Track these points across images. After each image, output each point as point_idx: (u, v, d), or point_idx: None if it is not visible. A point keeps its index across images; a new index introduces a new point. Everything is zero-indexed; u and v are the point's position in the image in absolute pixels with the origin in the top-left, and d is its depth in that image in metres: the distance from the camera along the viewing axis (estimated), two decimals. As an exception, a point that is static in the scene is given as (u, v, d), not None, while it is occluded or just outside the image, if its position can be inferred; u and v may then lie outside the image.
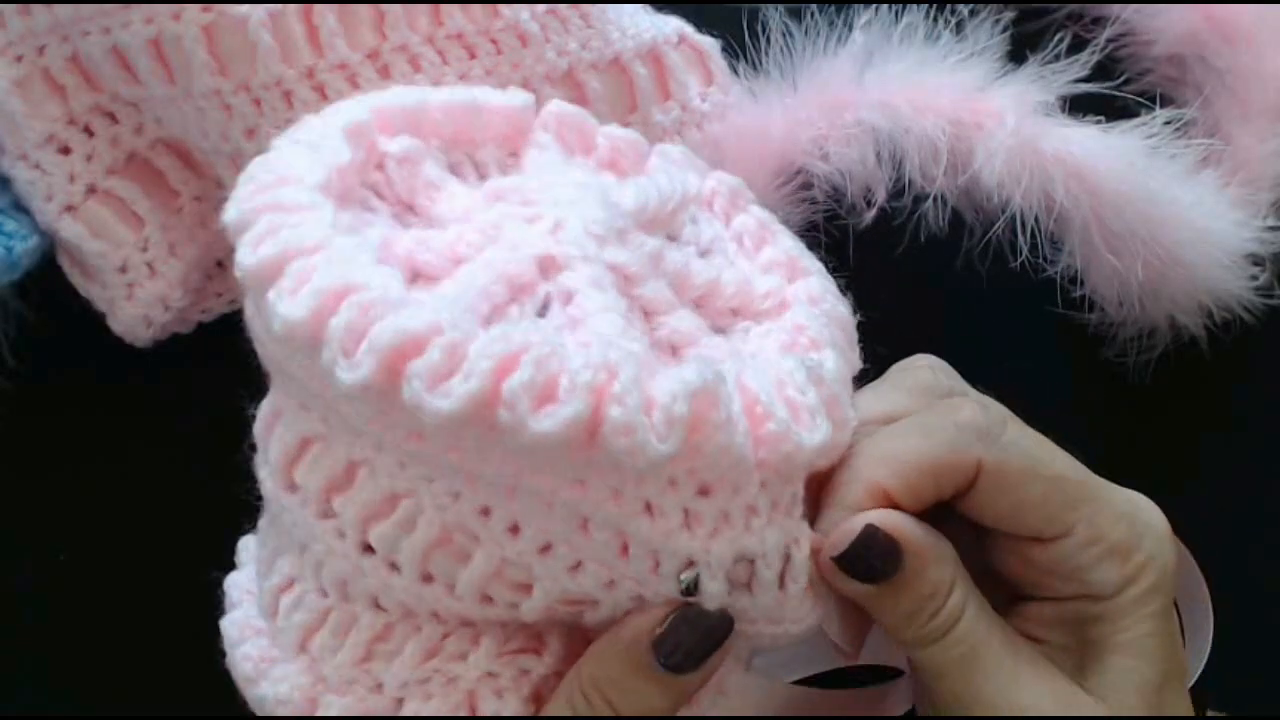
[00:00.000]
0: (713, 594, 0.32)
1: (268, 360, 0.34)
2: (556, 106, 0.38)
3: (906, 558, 0.34)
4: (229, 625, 0.38)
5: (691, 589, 0.32)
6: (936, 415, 0.35)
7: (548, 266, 0.33)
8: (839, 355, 0.36)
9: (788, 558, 0.33)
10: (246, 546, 0.40)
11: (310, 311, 0.29)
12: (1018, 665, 0.34)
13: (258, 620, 0.38)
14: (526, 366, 0.29)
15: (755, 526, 0.33)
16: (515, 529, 0.32)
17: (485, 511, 0.32)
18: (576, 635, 0.35)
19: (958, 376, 0.38)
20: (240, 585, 0.39)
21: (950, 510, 0.36)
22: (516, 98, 0.37)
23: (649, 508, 0.31)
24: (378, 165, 0.35)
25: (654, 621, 0.33)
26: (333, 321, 0.29)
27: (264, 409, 0.36)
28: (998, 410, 0.36)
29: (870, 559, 0.34)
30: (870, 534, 0.34)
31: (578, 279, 0.33)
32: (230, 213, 0.32)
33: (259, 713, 0.36)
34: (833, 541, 0.34)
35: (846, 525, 0.34)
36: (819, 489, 0.35)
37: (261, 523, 0.38)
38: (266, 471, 0.36)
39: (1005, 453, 0.35)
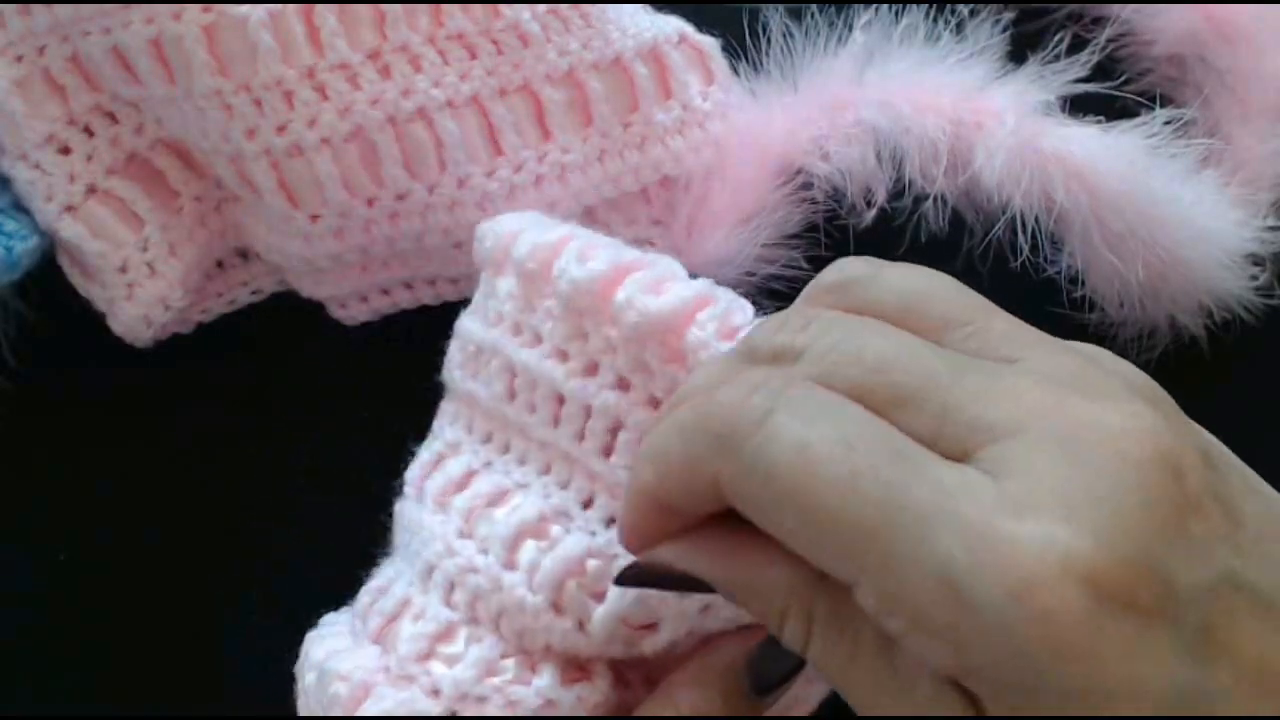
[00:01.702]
0: None
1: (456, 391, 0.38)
2: None
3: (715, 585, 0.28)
4: (312, 634, 0.38)
5: None
6: (701, 398, 0.27)
7: None
8: None
9: None
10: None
11: (556, 238, 0.36)
12: (901, 708, 0.25)
13: (344, 627, 0.38)
14: (720, 304, 0.33)
15: None
16: (612, 520, 0.34)
17: (588, 503, 0.35)
18: (618, 663, 0.36)
19: (870, 266, 0.29)
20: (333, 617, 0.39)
21: None
22: None
23: None
24: None
25: (746, 650, 0.33)
26: (572, 244, 0.35)
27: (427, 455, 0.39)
28: (761, 400, 0.25)
29: (667, 588, 0.30)
30: (646, 574, 0.29)
31: None
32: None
33: (312, 691, 0.36)
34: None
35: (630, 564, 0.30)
36: None
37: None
38: (403, 493, 0.38)
39: (750, 466, 0.25)
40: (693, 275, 0.36)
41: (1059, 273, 0.43)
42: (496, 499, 0.36)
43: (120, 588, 0.45)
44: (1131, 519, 0.23)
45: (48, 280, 0.44)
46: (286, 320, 0.46)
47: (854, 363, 0.26)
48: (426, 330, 0.41)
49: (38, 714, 0.45)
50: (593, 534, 0.34)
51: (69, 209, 0.42)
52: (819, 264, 0.45)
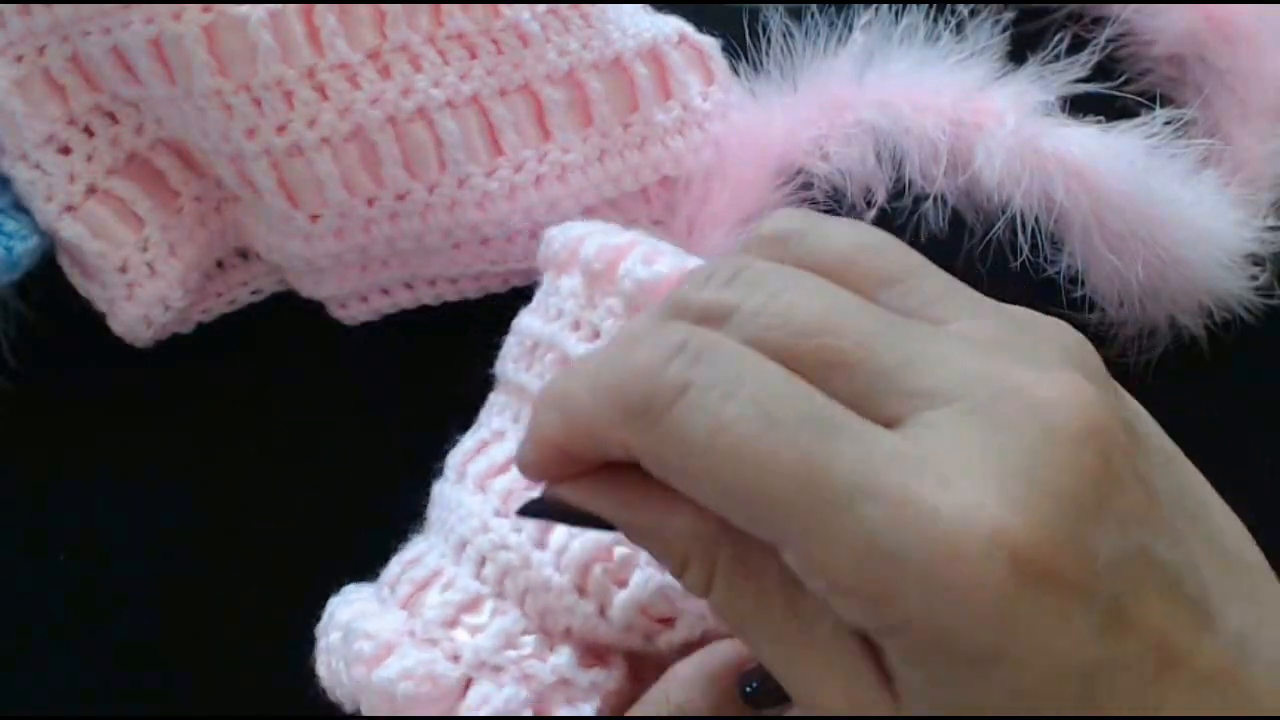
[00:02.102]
0: None
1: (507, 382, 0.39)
2: None
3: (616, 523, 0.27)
4: (336, 600, 0.38)
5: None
6: (618, 355, 0.26)
7: None
8: None
9: None
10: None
11: (623, 242, 0.38)
12: (802, 653, 0.25)
13: (370, 594, 0.38)
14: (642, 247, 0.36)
15: None
16: None
17: None
18: (636, 655, 0.36)
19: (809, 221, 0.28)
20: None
21: None
22: None
23: None
24: None
25: (742, 655, 0.32)
26: (640, 245, 0.37)
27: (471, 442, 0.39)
28: (680, 369, 0.24)
29: (570, 523, 0.29)
30: (546, 508, 0.29)
31: None
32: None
33: (336, 648, 0.36)
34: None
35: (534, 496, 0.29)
36: None
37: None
38: (442, 477, 0.39)
39: (663, 440, 0.24)
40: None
41: (1059, 273, 0.43)
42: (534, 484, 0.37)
43: (120, 587, 0.45)
44: (1058, 494, 0.23)
45: (48, 280, 0.44)
46: (286, 320, 0.46)
47: (782, 325, 0.25)
48: (426, 330, 0.41)
49: (38, 714, 0.45)
50: None
51: (69, 209, 0.42)
52: (819, 264, 0.45)
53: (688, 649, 0.35)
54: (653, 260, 0.36)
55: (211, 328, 0.46)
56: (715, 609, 0.27)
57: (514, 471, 0.37)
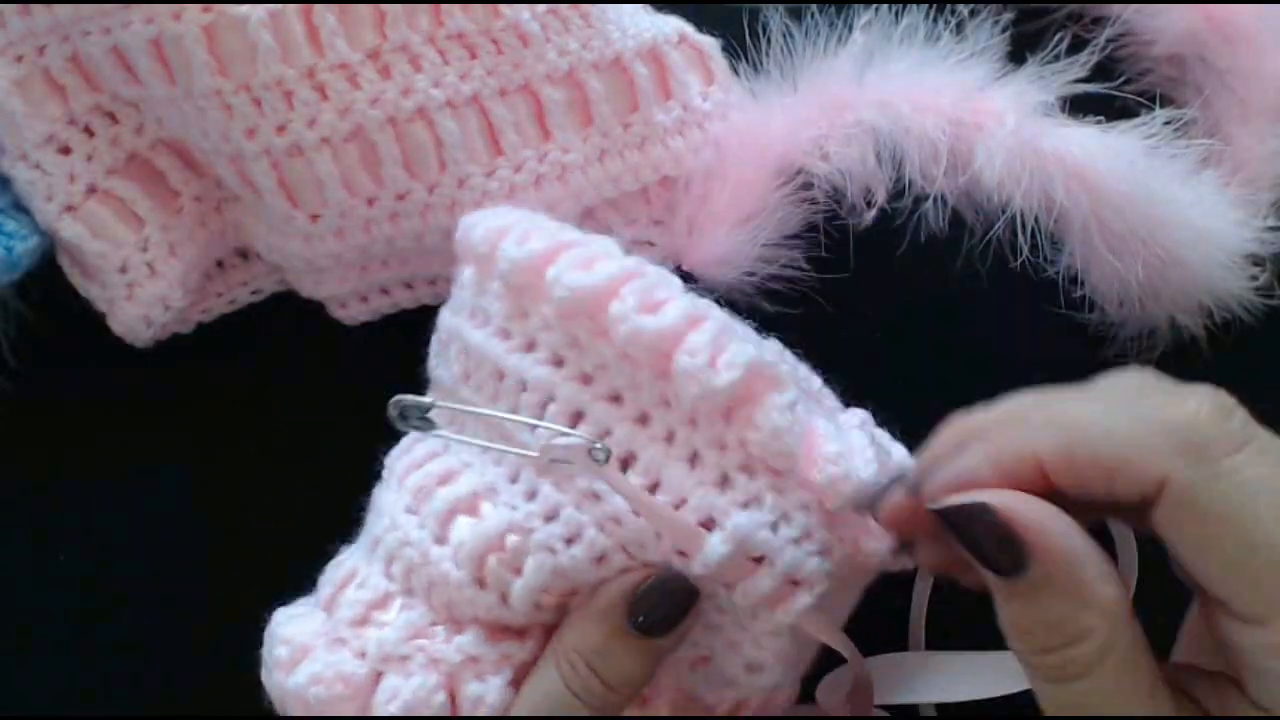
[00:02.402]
0: (717, 555, 0.33)
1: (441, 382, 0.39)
2: None
3: (1034, 559, 0.27)
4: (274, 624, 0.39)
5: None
6: (1147, 401, 0.28)
7: None
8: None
9: (789, 591, 0.34)
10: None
11: (506, 223, 0.37)
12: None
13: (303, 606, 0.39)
14: (647, 279, 0.34)
15: (781, 533, 0.34)
16: (532, 494, 0.35)
17: (514, 478, 0.36)
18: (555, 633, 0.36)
19: (1240, 430, 0.30)
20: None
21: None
22: None
23: (694, 458, 0.34)
24: None
25: (627, 587, 0.34)
26: (521, 224, 0.36)
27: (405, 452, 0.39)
28: (1240, 424, 0.28)
29: (983, 544, 0.28)
30: (981, 513, 0.28)
31: None
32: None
33: (266, 656, 0.37)
34: (941, 493, 0.29)
35: (963, 495, 0.28)
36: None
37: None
38: (383, 483, 0.39)
39: (1211, 482, 0.27)
40: (689, 277, 0.37)
41: (1059, 273, 0.43)
42: (446, 478, 0.37)
43: (120, 587, 0.45)
44: None
45: (48, 280, 0.44)
46: (286, 320, 0.46)
47: None
48: (426, 330, 0.41)
49: (38, 714, 0.45)
50: (514, 509, 0.35)
51: (69, 209, 0.42)
52: (819, 264, 0.45)
53: None
54: (527, 238, 0.36)
55: (211, 328, 0.46)
56: (1090, 690, 0.28)
57: (429, 466, 0.37)
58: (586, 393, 0.35)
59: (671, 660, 0.36)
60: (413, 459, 0.38)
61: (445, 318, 0.39)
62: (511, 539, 0.35)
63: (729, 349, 0.34)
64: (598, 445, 0.34)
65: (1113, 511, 0.30)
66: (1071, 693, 0.28)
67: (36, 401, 0.45)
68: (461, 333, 0.38)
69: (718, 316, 0.35)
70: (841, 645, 0.36)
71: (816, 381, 0.40)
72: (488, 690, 0.35)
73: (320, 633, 0.36)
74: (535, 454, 0.35)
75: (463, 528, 0.36)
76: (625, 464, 0.35)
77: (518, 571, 0.35)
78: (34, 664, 0.45)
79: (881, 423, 0.41)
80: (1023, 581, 0.28)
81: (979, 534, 0.28)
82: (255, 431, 0.46)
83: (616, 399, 0.35)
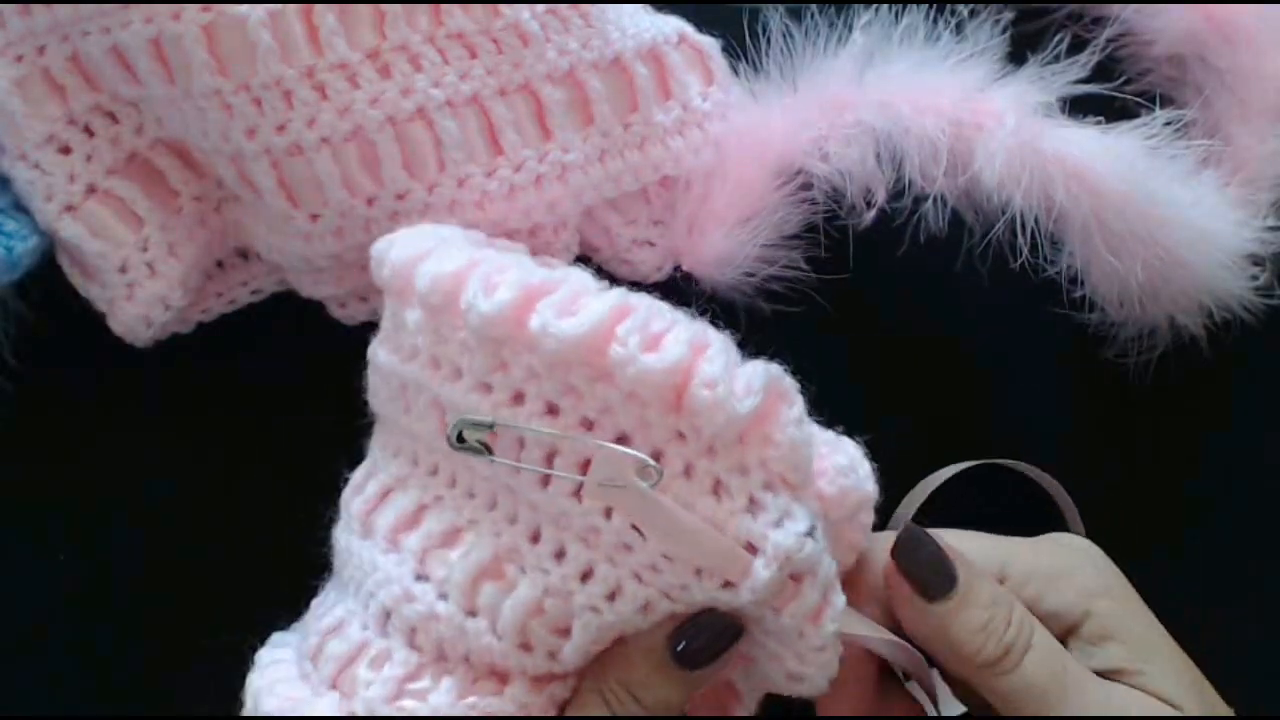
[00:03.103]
0: (764, 580, 0.33)
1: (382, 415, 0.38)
2: None
3: (960, 568, 0.36)
4: (257, 679, 0.38)
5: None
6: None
7: None
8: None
9: (829, 593, 0.34)
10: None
11: (454, 269, 0.35)
12: (1095, 688, 0.35)
13: (292, 669, 0.38)
14: (639, 314, 0.33)
15: (815, 546, 0.34)
16: (561, 553, 0.34)
17: (535, 537, 0.35)
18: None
19: (1109, 574, 0.38)
20: (272, 651, 0.39)
21: None
22: None
23: (717, 487, 0.33)
24: None
25: (670, 628, 0.35)
26: (474, 273, 0.34)
27: (358, 480, 0.39)
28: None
29: (924, 562, 0.36)
30: (920, 537, 0.36)
31: None
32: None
33: None
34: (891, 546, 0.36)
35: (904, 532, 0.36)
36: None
37: (326, 588, 0.40)
38: (343, 525, 0.39)
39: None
40: (688, 279, 0.36)
41: (1059, 273, 0.43)
42: (450, 539, 0.36)
43: (120, 587, 0.45)
44: None
45: (48, 280, 0.44)
46: (286, 320, 0.46)
47: None
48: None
49: (38, 714, 0.45)
50: (545, 572, 0.34)
51: (69, 209, 0.42)
52: (819, 264, 0.45)
53: None
54: (493, 286, 0.34)
55: (211, 328, 0.46)
56: (1035, 665, 0.35)
57: (427, 525, 0.36)
58: (591, 439, 0.33)
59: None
60: (400, 514, 0.37)
61: (390, 361, 0.37)
62: (550, 603, 0.34)
63: (742, 373, 0.33)
64: (651, 464, 0.33)
65: None
66: (1023, 674, 0.35)
67: (36, 401, 0.45)
68: (428, 385, 0.36)
69: (718, 339, 0.34)
70: (886, 641, 0.36)
71: None
72: None
73: (344, 716, 0.35)
74: (584, 479, 0.33)
75: (492, 595, 0.34)
76: None
77: (564, 634, 0.34)
78: (34, 664, 0.45)
79: (881, 422, 0.41)
80: (954, 597, 0.35)
81: (921, 558, 0.36)
82: (255, 431, 0.46)
83: (624, 439, 0.34)
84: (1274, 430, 0.48)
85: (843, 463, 0.35)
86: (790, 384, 0.34)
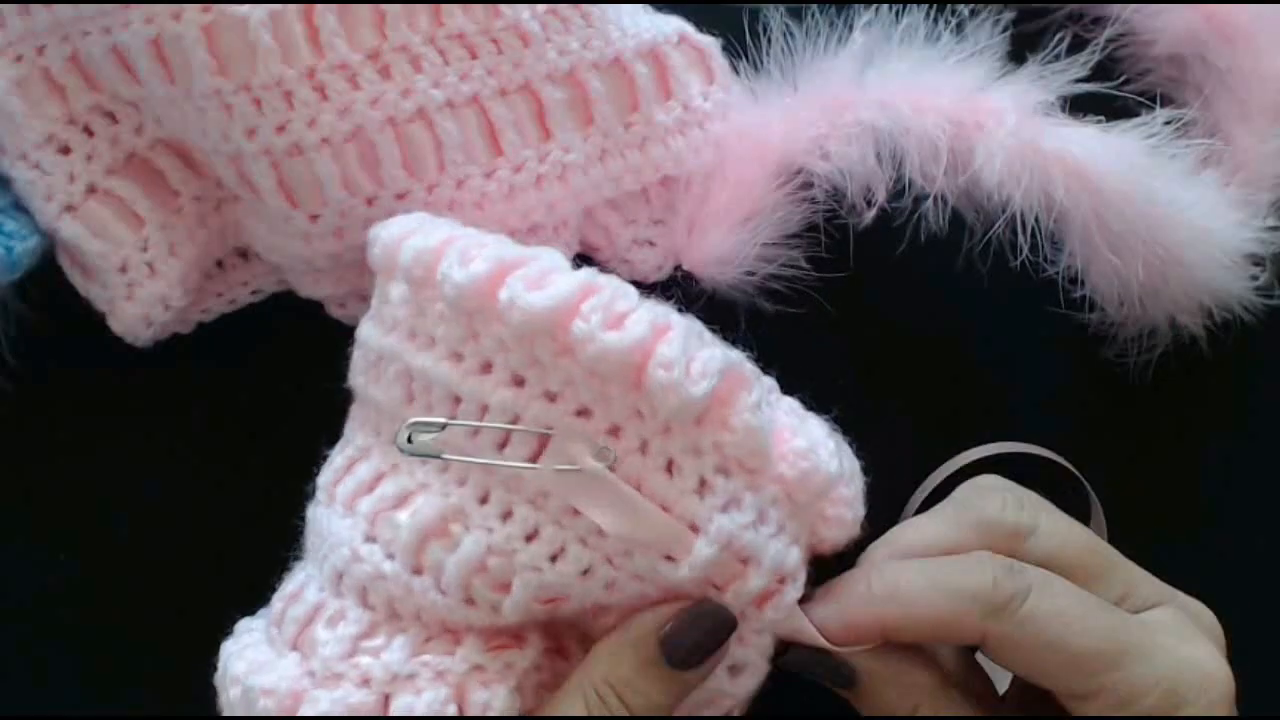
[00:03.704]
0: (704, 557, 0.34)
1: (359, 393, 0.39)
2: None
3: (860, 678, 0.36)
4: (229, 645, 0.39)
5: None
6: (954, 572, 0.36)
7: None
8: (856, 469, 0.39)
9: (774, 590, 0.35)
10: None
11: (438, 241, 0.36)
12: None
13: (260, 635, 0.39)
14: (605, 294, 0.34)
15: (763, 532, 0.35)
16: (508, 514, 0.35)
17: (484, 499, 0.35)
18: (552, 630, 0.37)
19: (1033, 503, 0.38)
20: (248, 621, 0.40)
21: None
22: None
23: (670, 465, 0.34)
24: None
25: (661, 620, 0.35)
26: (454, 245, 0.35)
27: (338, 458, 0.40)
28: (1035, 572, 0.36)
29: (822, 673, 0.36)
30: (820, 659, 0.36)
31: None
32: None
33: (239, 706, 0.37)
34: (794, 652, 0.37)
35: (814, 642, 0.36)
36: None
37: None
38: (313, 498, 0.39)
39: (1017, 629, 0.35)
40: (688, 279, 0.37)
41: (1059, 273, 0.43)
42: (400, 501, 0.36)
43: (120, 587, 0.45)
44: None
45: (48, 280, 0.44)
46: (286, 320, 0.46)
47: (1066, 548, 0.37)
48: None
49: (38, 713, 0.45)
50: (490, 530, 0.35)
51: (69, 209, 0.42)
52: (819, 264, 0.45)
53: (603, 616, 0.36)
54: (469, 258, 0.35)
55: (211, 328, 0.46)
56: None
57: (381, 489, 0.37)
58: (554, 410, 0.35)
59: None
60: (359, 481, 0.38)
61: (372, 335, 0.39)
62: (493, 561, 0.35)
63: (699, 356, 0.34)
64: (604, 446, 0.34)
65: None
66: None
67: (36, 401, 0.45)
68: (401, 355, 0.37)
69: (680, 323, 0.34)
70: (820, 641, 0.37)
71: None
72: (494, 697, 0.35)
73: (303, 674, 0.36)
74: (538, 467, 0.34)
75: (437, 553, 0.35)
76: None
77: (505, 589, 0.35)
78: (34, 664, 0.45)
79: (881, 422, 0.41)
80: (858, 690, 0.36)
81: (818, 674, 0.36)
82: (255, 431, 0.46)
83: (585, 413, 0.35)
84: (1274, 430, 0.48)
85: (802, 446, 0.35)
86: (751, 370, 0.35)
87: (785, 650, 0.37)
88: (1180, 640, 0.36)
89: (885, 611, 0.35)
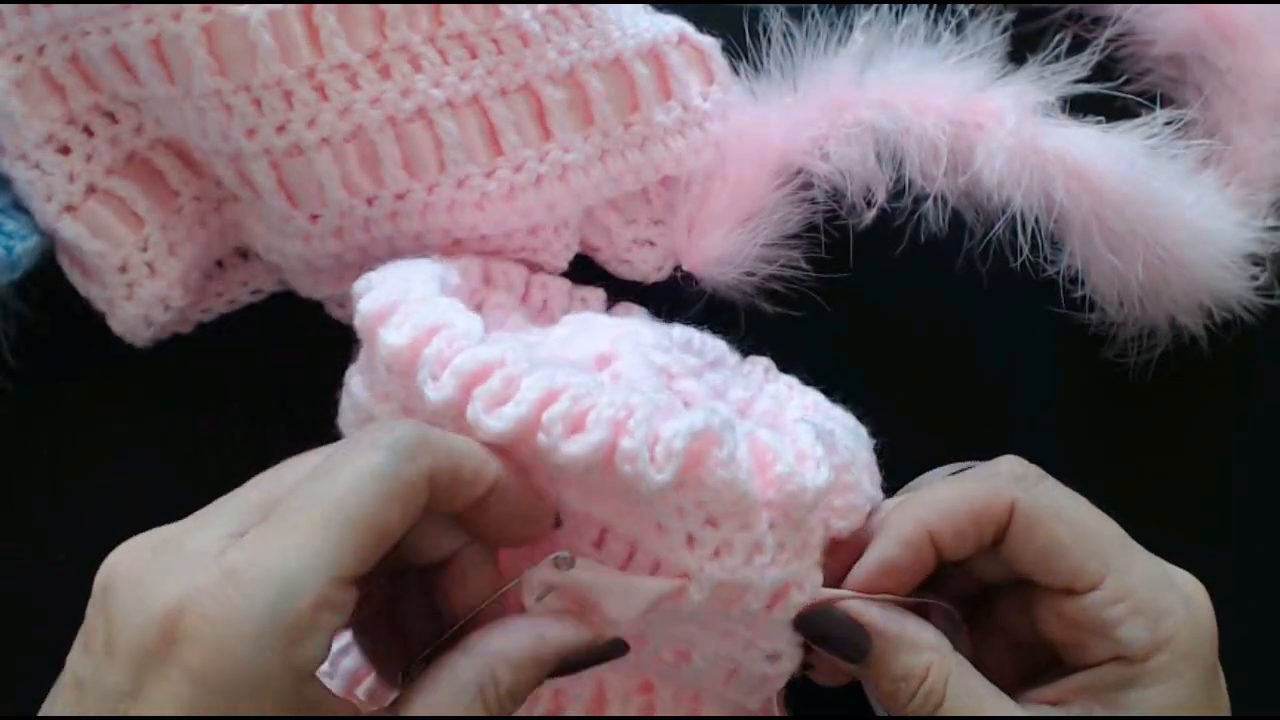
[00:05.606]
0: (697, 602, 0.36)
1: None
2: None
3: (874, 641, 0.37)
4: None
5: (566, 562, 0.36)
6: (980, 470, 0.39)
7: (604, 360, 0.39)
8: (857, 442, 0.40)
9: (783, 594, 0.37)
10: None
11: (409, 340, 0.36)
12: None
13: None
14: (564, 400, 0.34)
15: (757, 563, 0.36)
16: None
17: None
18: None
19: (1039, 471, 0.39)
20: None
21: (996, 589, 0.39)
22: None
23: (659, 528, 0.36)
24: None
25: (569, 642, 0.35)
26: (426, 350, 0.35)
27: None
28: (1037, 469, 0.38)
29: (837, 638, 0.37)
30: (835, 616, 0.37)
31: (624, 362, 0.39)
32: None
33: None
34: (805, 610, 0.37)
35: (824, 603, 0.37)
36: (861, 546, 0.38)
37: None
38: None
39: (1037, 497, 0.37)
40: (688, 279, 0.36)
41: (1059, 273, 0.43)
42: None
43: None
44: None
45: (48, 280, 0.44)
46: (286, 320, 0.46)
47: None
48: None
49: (37, 714, 0.45)
50: None
51: (69, 209, 0.42)
52: (819, 264, 0.45)
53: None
54: (439, 373, 0.35)
55: (211, 328, 0.46)
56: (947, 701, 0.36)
57: None
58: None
59: (708, 674, 0.39)
60: None
61: (364, 397, 0.39)
62: None
63: (664, 438, 0.34)
64: (562, 555, 0.35)
65: (977, 566, 0.39)
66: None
67: (36, 401, 0.45)
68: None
69: (641, 405, 0.34)
70: (842, 593, 0.38)
71: (722, 352, 0.42)
72: None
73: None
74: (518, 583, 0.36)
75: None
76: (602, 536, 0.36)
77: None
78: (34, 664, 0.45)
79: (881, 422, 0.41)
80: (872, 658, 0.37)
81: (834, 634, 0.37)
82: (255, 431, 0.46)
83: (572, 487, 0.36)
84: (1274, 430, 0.48)
85: (783, 471, 0.36)
86: (721, 424, 0.35)
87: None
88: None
89: (926, 515, 0.37)
